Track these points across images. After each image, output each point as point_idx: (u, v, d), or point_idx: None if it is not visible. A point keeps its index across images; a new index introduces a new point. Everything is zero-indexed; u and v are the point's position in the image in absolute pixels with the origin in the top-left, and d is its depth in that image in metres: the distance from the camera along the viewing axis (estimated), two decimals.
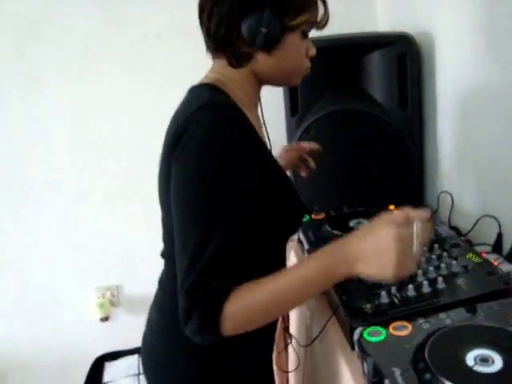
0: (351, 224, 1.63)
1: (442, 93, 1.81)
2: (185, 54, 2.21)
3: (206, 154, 0.97)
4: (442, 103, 1.81)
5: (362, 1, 2.29)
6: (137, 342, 2.40)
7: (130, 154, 2.34)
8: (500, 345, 0.94)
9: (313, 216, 1.75)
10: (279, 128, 2.00)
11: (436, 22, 1.78)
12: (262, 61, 1.10)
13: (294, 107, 1.86)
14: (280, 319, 1.54)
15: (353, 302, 1.19)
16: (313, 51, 1.17)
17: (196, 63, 2.21)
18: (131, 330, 2.51)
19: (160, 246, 2.38)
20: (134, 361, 2.46)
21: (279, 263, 1.22)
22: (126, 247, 2.42)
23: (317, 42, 1.77)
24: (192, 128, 0.99)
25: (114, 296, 2.47)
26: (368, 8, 2.29)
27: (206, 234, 0.95)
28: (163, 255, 1.23)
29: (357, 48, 1.85)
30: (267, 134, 1.31)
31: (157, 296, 1.26)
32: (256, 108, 1.22)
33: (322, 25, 1.15)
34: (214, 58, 1.17)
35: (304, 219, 1.72)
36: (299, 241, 1.65)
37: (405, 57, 1.78)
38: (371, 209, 1.71)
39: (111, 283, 2.47)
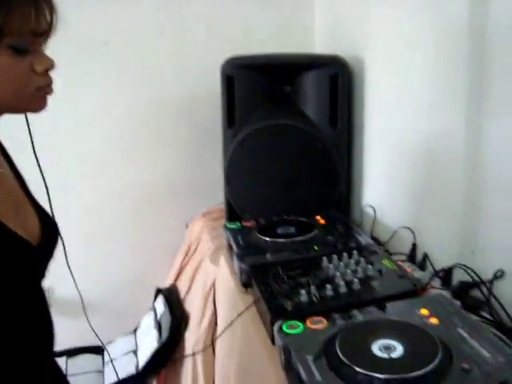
0: (279, 231, 1.72)
1: (368, 112, 1.94)
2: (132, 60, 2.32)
3: None
4: (369, 122, 1.94)
5: (300, 23, 2.41)
6: (67, 344, 2.44)
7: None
8: (402, 335, 1.04)
9: (243, 223, 1.83)
10: (216, 139, 2.10)
11: (366, 46, 1.92)
12: None
13: (231, 119, 1.94)
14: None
15: (275, 299, 1.28)
16: (41, 66, 0.95)
17: (143, 68, 2.32)
18: (61, 332, 2.52)
19: (95, 248, 2.40)
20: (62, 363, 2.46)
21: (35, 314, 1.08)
22: (60, 248, 2.43)
23: (256, 58, 1.93)
24: None
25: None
26: (306, 30, 2.41)
27: None
28: None
29: (293, 67, 1.96)
30: (16, 170, 1.18)
31: None
32: None
33: (38, 32, 0.93)
34: None
35: (231, 225, 1.82)
36: (229, 245, 1.72)
37: (336, 78, 1.90)
38: (299, 218, 1.83)
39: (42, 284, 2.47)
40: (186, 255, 2.28)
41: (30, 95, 0.96)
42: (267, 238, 1.66)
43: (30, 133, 1.14)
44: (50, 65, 0.96)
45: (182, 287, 2.21)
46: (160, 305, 2.19)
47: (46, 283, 2.47)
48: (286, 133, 1.93)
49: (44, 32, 0.93)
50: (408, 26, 1.66)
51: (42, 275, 1.11)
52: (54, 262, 2.44)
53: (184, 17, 2.33)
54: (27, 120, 1.12)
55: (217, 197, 2.36)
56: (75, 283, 1.56)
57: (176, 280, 2.30)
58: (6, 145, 1.21)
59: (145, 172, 2.47)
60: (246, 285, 1.50)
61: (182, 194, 2.50)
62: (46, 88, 0.98)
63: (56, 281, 2.45)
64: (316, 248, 1.57)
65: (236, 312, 1.51)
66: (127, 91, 2.36)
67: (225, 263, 1.75)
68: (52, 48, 2.31)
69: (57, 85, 2.30)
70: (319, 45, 2.40)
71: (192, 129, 2.44)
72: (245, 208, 1.99)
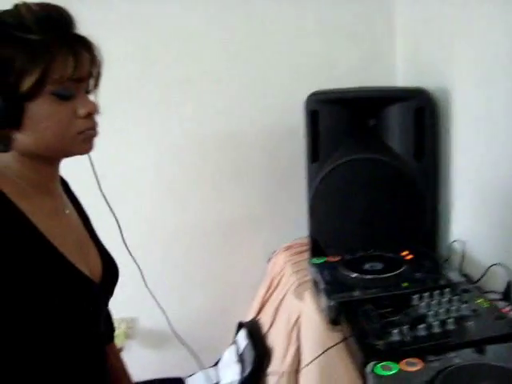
0: (366, 266, 1.69)
1: (456, 145, 1.89)
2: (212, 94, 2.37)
3: None
4: (456, 155, 1.90)
5: (382, 55, 2.40)
6: (148, 375, 2.47)
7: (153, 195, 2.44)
8: (505, 383, 0.99)
9: (328, 258, 1.81)
10: (297, 172, 2.11)
11: (453, 79, 1.88)
12: (19, 139, 0.97)
13: (315, 154, 1.94)
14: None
15: (366, 338, 1.25)
16: (83, 110, 1.00)
17: (224, 100, 2.35)
18: (144, 362, 2.56)
19: (178, 281, 2.42)
20: None
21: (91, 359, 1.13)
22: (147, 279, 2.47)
23: (340, 92, 1.93)
24: None
25: (129, 328, 2.52)
26: (388, 62, 2.39)
27: None
28: None
29: (377, 100, 1.95)
30: (81, 210, 1.25)
31: None
32: (49, 192, 1.09)
33: (79, 79, 0.99)
34: None
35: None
36: (314, 281, 1.71)
37: (422, 111, 1.87)
38: (386, 253, 1.79)
39: (127, 315, 2.52)
40: (269, 289, 2.27)
41: (73, 138, 1.01)
42: (354, 274, 1.63)
43: (95, 173, 1.22)
44: (92, 109, 1.01)
45: (264, 321, 2.19)
46: (242, 339, 2.18)
47: (130, 314, 2.54)
48: (371, 167, 1.91)
49: (84, 78, 1.00)
50: (495, 53, 1.62)
51: (102, 311, 1.16)
52: (139, 294, 2.49)
53: (266, 51, 2.36)
54: (91, 161, 1.18)
55: (298, 230, 2.35)
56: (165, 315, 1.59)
57: (258, 314, 2.30)
58: (76, 185, 1.27)
59: (225, 204, 2.49)
60: (333, 322, 1.48)
61: (263, 228, 2.51)
62: (89, 131, 1.03)
63: (140, 312, 2.54)
64: (405, 285, 1.53)
65: (323, 350, 1.49)
66: (208, 122, 2.40)
67: (310, 299, 1.73)
68: (136, 84, 2.36)
69: (137, 121, 2.37)
70: (401, 77, 2.38)
71: (273, 161, 2.45)
72: (329, 242, 1.97)
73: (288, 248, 2.33)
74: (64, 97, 0.96)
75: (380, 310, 1.37)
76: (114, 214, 1.34)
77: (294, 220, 2.38)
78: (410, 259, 1.74)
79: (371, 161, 1.91)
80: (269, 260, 2.42)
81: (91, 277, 1.07)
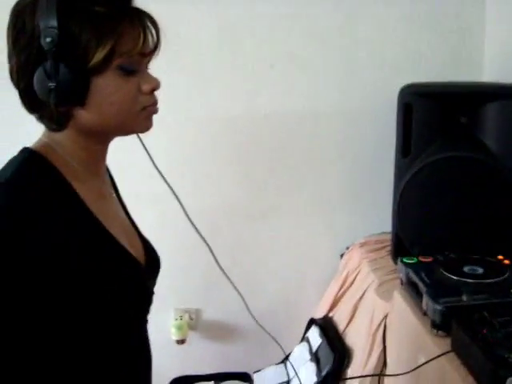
0: (465, 270, 1.61)
1: None
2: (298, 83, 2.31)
3: None
4: None
5: (470, 49, 2.30)
6: (210, 368, 2.43)
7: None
8: None
9: (421, 258, 1.74)
10: (381, 169, 2.04)
11: None
12: (81, 116, 0.94)
13: (407, 148, 1.86)
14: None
15: (491, 348, 1.17)
16: (148, 86, 0.98)
17: (308, 91, 2.29)
18: (206, 355, 2.52)
19: (241, 275, 2.35)
20: None
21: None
22: (211, 272, 2.42)
23: (436, 86, 1.85)
24: None
25: (192, 319, 2.47)
26: (476, 57, 2.29)
27: None
28: None
29: (475, 96, 1.85)
30: (119, 195, 1.21)
31: None
32: (98, 174, 1.07)
33: (146, 51, 0.96)
34: None
35: None
36: (410, 282, 1.63)
37: None
38: (484, 257, 1.70)
39: (191, 306, 2.47)
40: (343, 286, 2.20)
41: (137, 115, 0.98)
42: (456, 278, 1.55)
43: (148, 154, 1.20)
44: (156, 84, 0.99)
45: (339, 319, 2.13)
46: (315, 336, 2.12)
47: (195, 305, 2.49)
48: (465, 165, 1.81)
49: (150, 52, 0.98)
50: None
51: (150, 296, 1.12)
52: (205, 285, 2.45)
53: (353, 39, 2.30)
54: (142, 142, 1.17)
55: (372, 226, 2.29)
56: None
57: (330, 311, 2.23)
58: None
59: (301, 190, 2.43)
60: (437, 327, 1.41)
61: (337, 221, 2.44)
62: (151, 107, 1.00)
63: (204, 303, 2.49)
64: None
65: (424, 355, 1.42)
66: (292, 105, 2.34)
67: (402, 300, 1.66)
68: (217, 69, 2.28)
69: (220, 100, 2.29)
70: (488, 72, 2.28)
71: (357, 152, 2.38)
72: (414, 241, 1.89)
73: (363, 244, 2.26)
74: (130, 71, 0.94)
75: (494, 318, 1.29)
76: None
77: (371, 215, 2.32)
78: (509, 264, 1.66)
79: (466, 159, 1.81)
80: (341, 255, 2.35)
81: (137, 258, 1.06)
